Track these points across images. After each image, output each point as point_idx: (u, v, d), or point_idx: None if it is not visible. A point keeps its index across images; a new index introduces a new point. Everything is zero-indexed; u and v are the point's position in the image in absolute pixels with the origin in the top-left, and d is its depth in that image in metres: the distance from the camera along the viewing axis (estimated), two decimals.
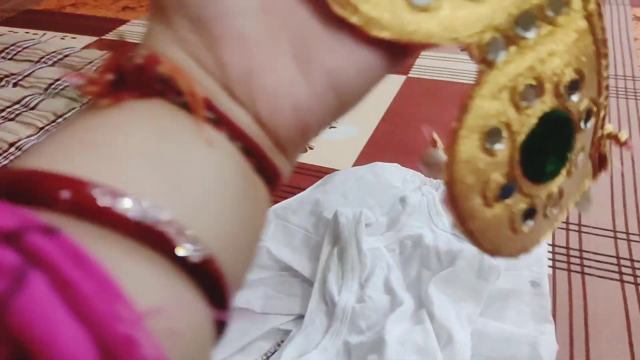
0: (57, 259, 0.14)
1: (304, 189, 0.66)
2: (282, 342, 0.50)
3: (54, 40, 1.07)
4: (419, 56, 0.99)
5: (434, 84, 0.90)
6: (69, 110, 0.82)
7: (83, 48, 1.03)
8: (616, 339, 0.50)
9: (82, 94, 0.19)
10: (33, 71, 0.91)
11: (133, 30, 1.12)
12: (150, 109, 0.19)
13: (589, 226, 0.62)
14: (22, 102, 0.84)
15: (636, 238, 0.60)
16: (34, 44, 1.00)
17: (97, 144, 0.17)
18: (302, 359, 0.46)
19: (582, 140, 0.25)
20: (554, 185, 0.24)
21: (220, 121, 0.19)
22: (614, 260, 0.58)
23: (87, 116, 0.19)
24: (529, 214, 0.24)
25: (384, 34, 0.19)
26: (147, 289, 0.16)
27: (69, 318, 0.14)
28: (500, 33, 0.21)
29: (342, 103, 0.22)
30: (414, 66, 0.96)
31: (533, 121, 0.22)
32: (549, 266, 0.56)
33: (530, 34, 0.21)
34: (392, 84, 0.90)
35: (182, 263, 0.16)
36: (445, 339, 0.46)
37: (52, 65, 0.94)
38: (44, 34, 1.11)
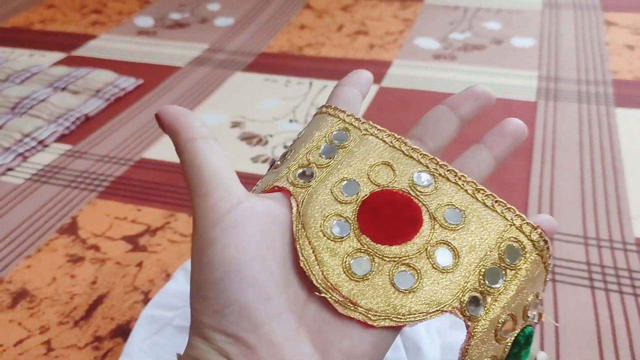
0: None
1: None
2: None
3: (22, 59, 1.06)
4: (391, 65, 0.99)
5: (407, 92, 0.90)
6: (36, 129, 0.80)
7: (52, 65, 1.02)
8: (586, 346, 0.49)
9: None
10: (0, 90, 0.90)
11: (102, 45, 1.11)
12: None
13: (560, 233, 0.62)
14: None
15: (606, 244, 0.60)
16: (1, 62, 0.99)
17: None
18: None
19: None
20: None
21: None
22: (585, 267, 0.57)
23: None
24: None
25: (384, 323, 0.25)
26: None
27: None
28: (475, 291, 0.26)
29: None
30: (386, 75, 0.96)
31: (509, 345, 0.27)
32: None
33: (498, 285, 0.26)
34: None
35: None
36: (414, 353, 0.46)
37: (20, 83, 0.93)
38: (12, 51, 1.09)
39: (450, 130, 0.32)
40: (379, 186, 0.29)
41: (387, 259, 0.27)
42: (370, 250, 0.27)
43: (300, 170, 0.29)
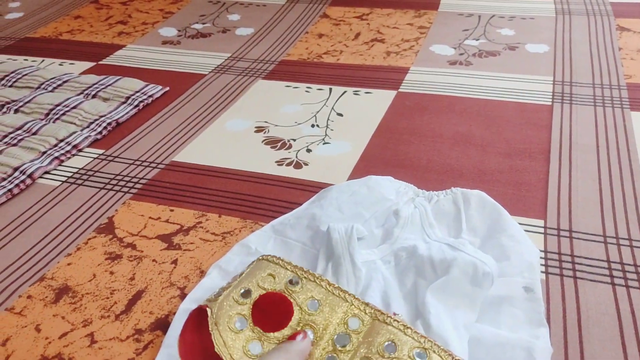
0: None
1: (300, 204, 0.68)
2: None
3: (52, 67, 1.10)
4: (408, 72, 1.02)
5: (424, 97, 0.93)
6: (70, 134, 0.83)
7: (81, 73, 1.06)
8: (609, 339, 0.51)
9: None
10: (34, 97, 0.93)
11: (129, 54, 1.14)
12: None
13: (579, 232, 0.64)
14: (24, 128, 0.86)
15: (625, 242, 0.62)
16: (33, 71, 1.03)
17: None
18: None
19: None
20: None
21: None
22: (605, 264, 0.59)
23: None
24: None
25: None
26: None
27: None
28: (330, 352, 0.43)
29: None
30: (404, 81, 0.98)
31: None
32: (542, 272, 0.58)
33: (347, 346, 0.43)
34: (384, 99, 0.92)
35: None
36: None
37: (51, 91, 0.96)
38: (42, 60, 1.13)
39: None
40: (265, 290, 0.46)
41: (271, 341, 0.43)
42: (261, 337, 0.43)
43: (216, 292, 0.47)
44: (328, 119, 0.88)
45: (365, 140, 0.82)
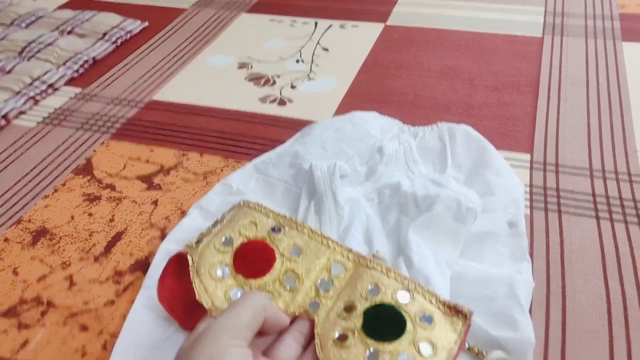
0: None
1: (283, 142, 0.66)
2: None
3: (26, 3, 1.05)
4: (396, 3, 0.98)
5: (412, 30, 0.89)
6: (45, 73, 0.81)
7: (56, 9, 1.01)
8: (591, 274, 0.51)
9: None
10: (6, 34, 0.90)
11: None
12: None
13: (566, 166, 0.63)
14: None
15: (611, 176, 0.61)
16: (5, 7, 0.98)
17: None
18: None
19: (416, 307, 0.40)
20: (413, 336, 0.38)
21: None
22: (590, 198, 0.59)
23: None
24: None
25: None
26: None
27: None
28: (313, 298, 0.42)
29: None
30: (392, 14, 0.95)
31: (360, 317, 0.39)
32: (526, 207, 0.57)
33: (330, 291, 0.42)
34: (371, 32, 0.89)
35: None
36: (423, 283, 0.47)
37: (25, 27, 0.93)
38: None
39: None
40: (247, 238, 0.45)
41: (253, 288, 0.42)
42: (243, 283, 0.43)
43: (196, 238, 0.46)
44: (313, 54, 0.85)
45: (351, 76, 0.79)
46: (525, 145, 0.66)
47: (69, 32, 0.91)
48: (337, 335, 0.39)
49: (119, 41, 0.89)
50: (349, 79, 0.79)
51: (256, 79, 0.80)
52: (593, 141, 0.66)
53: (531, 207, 0.57)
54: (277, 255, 0.44)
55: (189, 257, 0.44)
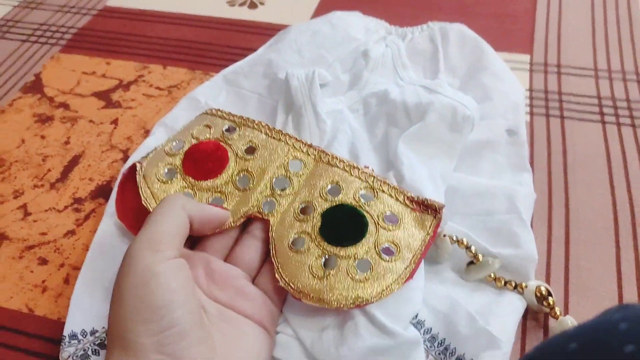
0: None
1: (255, 50, 0.59)
2: None
3: None
4: None
5: None
6: None
7: None
8: (597, 183, 0.47)
9: None
10: None
11: None
12: None
13: (568, 66, 0.57)
14: None
15: (618, 76, 0.56)
16: None
17: None
18: None
19: (379, 208, 0.37)
20: (374, 239, 0.36)
21: None
22: (595, 101, 0.54)
23: None
24: (363, 265, 0.35)
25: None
26: None
27: None
28: (267, 197, 0.38)
29: None
30: None
31: (318, 219, 0.36)
32: (527, 112, 0.52)
33: (287, 189, 0.38)
34: None
35: None
36: None
37: None
38: None
39: None
40: (198, 140, 0.42)
41: (203, 190, 0.39)
42: (192, 185, 0.39)
43: (151, 150, 0.42)
44: None
45: None
46: (525, 46, 0.60)
47: None
48: (292, 239, 0.36)
49: None
50: None
51: None
52: (598, 39, 0.60)
53: (531, 113, 0.53)
54: (231, 155, 0.41)
55: (137, 164, 0.40)
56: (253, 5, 0.68)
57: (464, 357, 0.35)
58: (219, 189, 0.39)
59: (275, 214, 0.37)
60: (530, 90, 0.55)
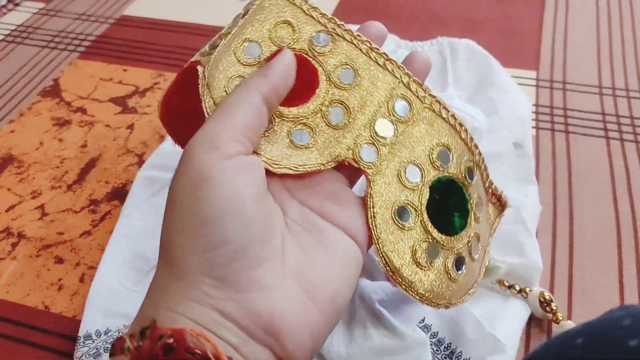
0: None
1: None
2: None
3: None
4: None
5: None
6: None
7: None
8: (600, 195, 0.48)
9: None
10: None
11: None
12: None
13: (573, 83, 0.59)
14: None
15: (622, 93, 0.57)
16: None
17: None
18: None
19: (476, 191, 0.31)
20: (469, 233, 0.30)
21: None
22: (599, 117, 0.55)
23: None
24: (459, 262, 0.30)
25: (284, 171, 0.28)
26: None
27: None
28: (367, 142, 0.29)
29: (338, 317, 0.26)
30: None
31: (426, 192, 0.29)
32: (532, 127, 0.53)
33: (389, 134, 0.30)
34: None
35: None
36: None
37: None
38: None
39: None
40: (278, 46, 0.30)
41: (286, 119, 0.29)
42: (279, 116, 0.29)
43: (211, 42, 0.31)
44: None
45: None
46: (531, 62, 0.61)
47: None
48: (397, 207, 0.29)
49: None
50: None
51: None
52: (603, 57, 0.62)
53: (537, 128, 0.54)
54: (321, 77, 0.30)
55: (199, 68, 0.30)
56: None
57: None
58: (304, 119, 0.29)
59: (377, 167, 0.29)
60: (537, 105, 0.56)
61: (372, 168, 0.29)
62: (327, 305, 0.25)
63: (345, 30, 0.31)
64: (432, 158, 0.30)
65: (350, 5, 0.71)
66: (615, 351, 0.19)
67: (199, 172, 0.23)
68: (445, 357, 0.36)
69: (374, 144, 0.29)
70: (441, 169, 0.30)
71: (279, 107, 0.29)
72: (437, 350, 0.37)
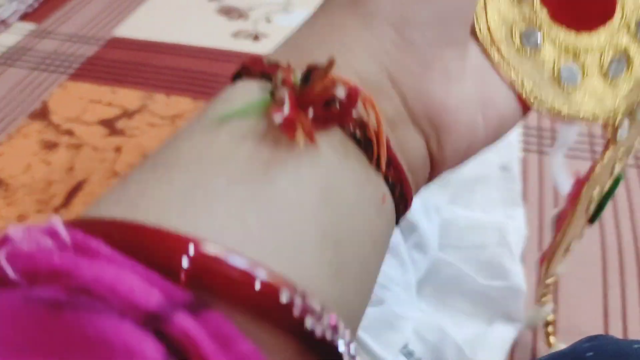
0: (207, 349, 0.12)
1: None
2: None
3: None
4: None
5: None
6: None
7: None
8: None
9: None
10: None
11: None
12: (327, 154, 0.17)
13: None
14: None
15: None
16: None
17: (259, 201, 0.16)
18: None
19: None
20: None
21: (389, 164, 0.19)
22: (586, 139, 0.55)
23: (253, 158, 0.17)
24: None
25: (534, 105, 0.23)
26: None
27: None
28: (626, 116, 0.24)
29: (491, 141, 0.24)
30: None
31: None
32: (519, 149, 0.54)
33: None
34: None
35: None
36: (409, 231, 0.44)
37: None
38: None
39: None
40: None
41: (559, 43, 0.23)
42: (544, 26, 0.23)
43: None
44: None
45: None
46: None
47: None
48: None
49: None
50: None
51: (228, 12, 0.75)
52: None
53: (524, 150, 0.54)
54: (617, 15, 0.24)
55: None
56: (256, 38, 0.70)
57: None
58: (581, 56, 0.24)
59: None
60: (524, 127, 0.56)
61: (617, 144, 0.25)
62: (494, 128, 0.22)
63: None
64: None
65: None
66: None
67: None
68: None
69: (630, 120, 0.24)
70: None
71: (555, 25, 0.23)
72: None
